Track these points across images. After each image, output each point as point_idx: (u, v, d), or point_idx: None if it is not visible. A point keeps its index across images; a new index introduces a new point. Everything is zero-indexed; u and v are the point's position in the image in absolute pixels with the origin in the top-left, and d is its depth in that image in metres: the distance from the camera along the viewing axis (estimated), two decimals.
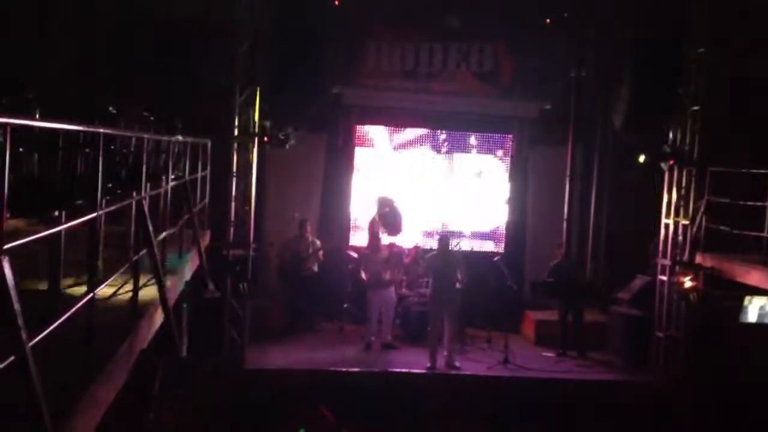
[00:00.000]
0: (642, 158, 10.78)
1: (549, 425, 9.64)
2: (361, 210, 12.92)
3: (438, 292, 10.50)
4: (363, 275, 11.20)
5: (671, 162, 10.70)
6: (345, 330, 11.73)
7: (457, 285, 10.70)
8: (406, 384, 10.04)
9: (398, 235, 12.01)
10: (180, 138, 7.17)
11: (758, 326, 9.43)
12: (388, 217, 11.90)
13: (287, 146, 10.94)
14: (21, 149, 4.29)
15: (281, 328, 11.45)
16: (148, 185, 5.26)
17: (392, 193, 12.48)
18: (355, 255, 11.84)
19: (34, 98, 4.69)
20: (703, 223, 10.33)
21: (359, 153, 13.02)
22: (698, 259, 10.36)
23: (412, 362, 10.53)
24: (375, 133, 13.15)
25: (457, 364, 10.41)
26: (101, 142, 3.85)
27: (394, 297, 11.25)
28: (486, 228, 13.34)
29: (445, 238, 10.82)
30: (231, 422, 9.18)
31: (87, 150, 4.68)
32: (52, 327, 3.17)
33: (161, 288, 5.20)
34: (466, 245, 12.44)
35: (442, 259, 10.57)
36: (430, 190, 13.21)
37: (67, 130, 4.03)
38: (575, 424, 9.69)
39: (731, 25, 10.26)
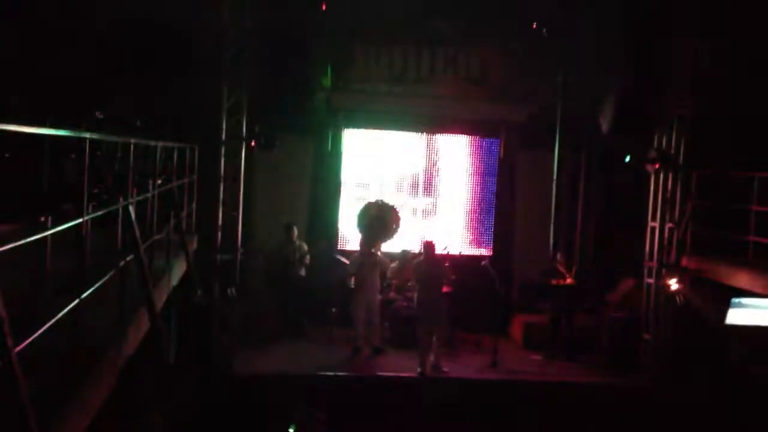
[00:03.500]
0: (627, 158, 10.83)
1: (537, 428, 9.67)
2: (349, 214, 12.94)
3: (425, 298, 10.46)
4: (351, 278, 11.17)
5: (657, 166, 10.78)
6: (334, 334, 11.70)
7: (445, 289, 10.68)
8: (396, 388, 10.04)
9: (381, 241, 12.02)
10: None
11: (743, 328, 9.49)
12: (371, 222, 11.95)
13: (275, 150, 10.94)
14: (7, 155, 4.28)
15: (270, 333, 11.42)
16: (135, 190, 5.25)
17: (382, 197, 12.53)
18: (344, 260, 11.82)
19: (20, 104, 4.68)
20: (689, 225, 10.41)
21: (347, 156, 13.03)
22: (684, 261, 10.45)
23: (402, 366, 10.53)
24: (363, 136, 13.17)
25: (445, 369, 10.41)
26: (87, 148, 3.85)
27: (377, 300, 11.21)
28: (475, 231, 13.39)
29: (429, 243, 10.78)
30: (220, 428, 9.15)
31: (73, 156, 4.67)
32: (38, 333, 3.17)
33: (148, 293, 5.20)
34: (455, 249, 12.46)
35: (428, 265, 10.56)
36: (418, 193, 13.24)
37: (54, 135, 4.02)
38: (563, 427, 9.72)
39: (716, 28, 10.34)
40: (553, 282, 11.29)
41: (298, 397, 9.51)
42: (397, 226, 12.30)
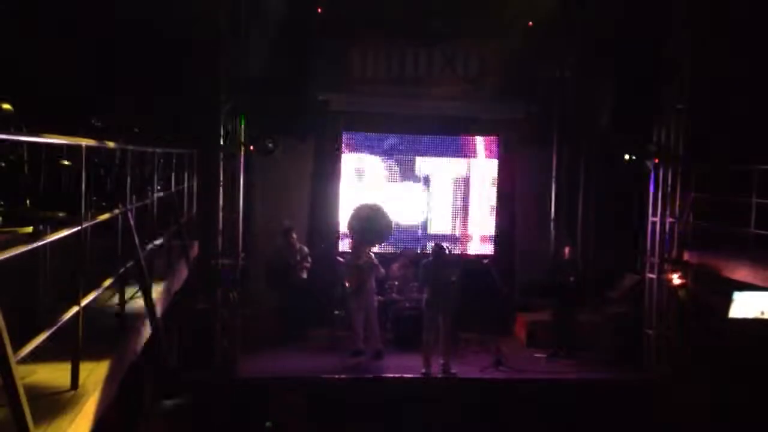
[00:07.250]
0: (627, 157, 10.83)
1: (542, 425, 9.66)
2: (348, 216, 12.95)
3: (435, 298, 10.36)
4: (346, 282, 11.14)
5: (656, 160, 10.77)
6: (336, 337, 11.68)
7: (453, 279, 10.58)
8: (400, 389, 10.03)
9: (377, 244, 11.94)
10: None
11: (746, 321, 9.48)
12: (365, 224, 11.78)
13: (275, 154, 10.93)
14: (3, 164, 4.28)
15: (272, 337, 11.41)
16: (134, 197, 5.25)
17: (379, 199, 12.45)
18: (343, 261, 11.81)
19: (15, 113, 4.68)
20: (690, 220, 10.40)
21: (346, 159, 13.04)
22: (686, 256, 10.43)
23: (405, 367, 10.50)
24: (362, 139, 13.18)
25: (453, 370, 10.36)
26: (84, 155, 3.85)
27: (375, 303, 11.16)
28: (475, 231, 13.38)
29: (438, 247, 10.75)
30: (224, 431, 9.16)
31: (68, 162, 4.67)
32: (38, 342, 3.17)
33: (149, 300, 5.20)
34: (456, 249, 12.45)
35: (436, 268, 10.49)
36: (417, 194, 13.24)
37: (50, 143, 4.02)
38: (568, 424, 9.71)
39: (711, 25, 10.32)
40: (561, 278, 11.26)
41: (301, 400, 9.53)
42: (389, 230, 12.12)
